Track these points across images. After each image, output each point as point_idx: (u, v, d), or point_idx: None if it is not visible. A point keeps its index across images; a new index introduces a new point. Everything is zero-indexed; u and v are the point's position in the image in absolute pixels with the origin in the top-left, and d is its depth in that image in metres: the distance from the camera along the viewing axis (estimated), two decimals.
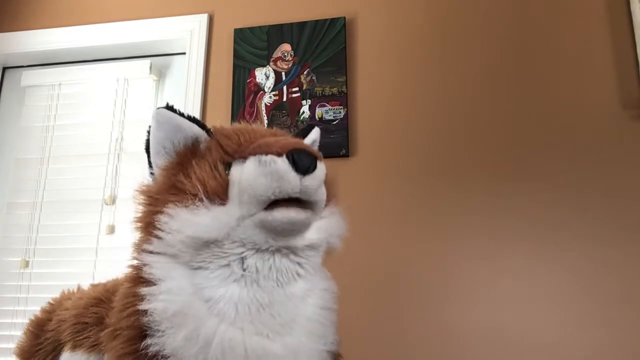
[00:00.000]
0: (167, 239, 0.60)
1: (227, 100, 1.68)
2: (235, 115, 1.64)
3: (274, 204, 0.59)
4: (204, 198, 0.59)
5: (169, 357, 0.57)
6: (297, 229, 0.60)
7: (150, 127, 0.67)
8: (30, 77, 1.87)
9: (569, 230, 1.38)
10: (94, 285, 0.83)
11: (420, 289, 1.40)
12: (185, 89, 1.71)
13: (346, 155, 1.52)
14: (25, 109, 1.86)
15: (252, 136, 0.64)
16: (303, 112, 1.60)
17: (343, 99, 1.58)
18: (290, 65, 1.65)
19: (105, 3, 1.89)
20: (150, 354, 0.57)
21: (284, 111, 1.61)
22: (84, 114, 1.82)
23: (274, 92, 1.64)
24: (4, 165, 1.86)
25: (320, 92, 1.60)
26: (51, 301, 0.87)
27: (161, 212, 0.60)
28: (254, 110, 1.64)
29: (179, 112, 0.67)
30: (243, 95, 1.66)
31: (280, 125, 1.58)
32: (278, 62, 1.67)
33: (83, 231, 1.71)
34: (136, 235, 0.67)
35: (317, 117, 1.58)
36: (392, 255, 1.43)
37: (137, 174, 1.73)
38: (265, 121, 1.61)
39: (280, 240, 0.60)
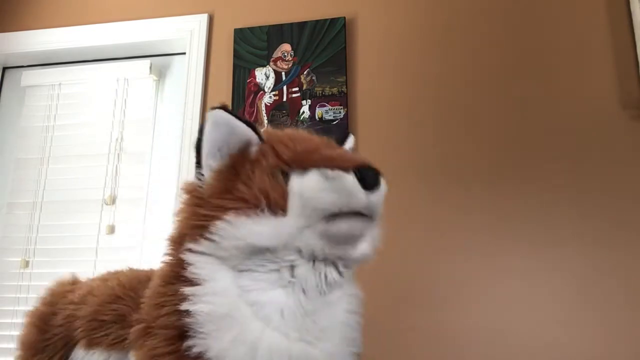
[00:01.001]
0: (223, 244, 0.60)
1: (227, 100, 1.68)
2: None
3: (335, 215, 0.59)
4: (265, 209, 0.59)
5: (212, 359, 0.57)
6: (357, 239, 0.62)
7: (202, 126, 0.65)
8: (30, 77, 1.87)
9: (569, 230, 1.38)
10: (102, 280, 0.81)
11: (419, 289, 1.40)
12: (185, 89, 1.71)
13: None
14: (25, 109, 1.86)
15: (308, 145, 0.64)
16: (303, 112, 1.60)
17: (343, 99, 1.58)
18: (290, 65, 1.65)
19: (105, 3, 1.89)
20: (191, 355, 0.57)
21: (284, 111, 1.62)
22: (84, 114, 1.82)
23: (274, 92, 1.64)
24: (4, 165, 1.86)
25: (320, 92, 1.60)
26: (50, 292, 0.86)
27: (217, 218, 0.60)
28: (254, 110, 1.64)
29: (235, 114, 0.65)
30: (243, 95, 1.66)
31: (280, 126, 1.58)
32: (278, 62, 1.67)
33: (83, 231, 1.71)
34: (175, 232, 0.66)
35: (317, 117, 1.58)
36: (391, 254, 1.43)
37: (137, 174, 1.74)
38: (265, 121, 1.61)
39: (337, 249, 0.61)
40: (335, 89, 1.59)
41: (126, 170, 1.74)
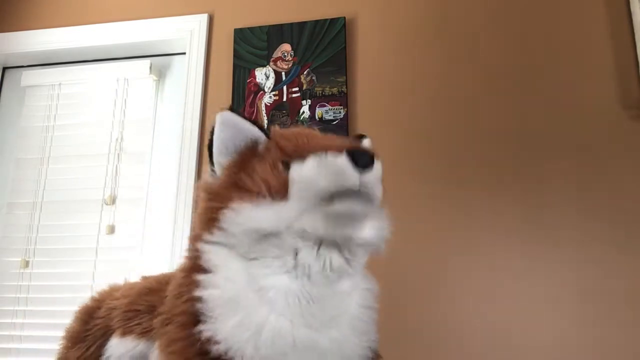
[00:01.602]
0: (230, 230, 0.63)
1: (227, 100, 1.68)
2: None
3: (333, 197, 0.62)
4: (266, 195, 0.63)
5: (220, 342, 0.59)
6: (356, 220, 0.63)
7: (213, 128, 0.71)
8: (30, 77, 1.87)
9: (569, 230, 1.38)
10: (144, 277, 0.86)
11: (419, 289, 1.40)
12: (185, 89, 1.71)
13: None
14: (25, 109, 1.86)
15: (309, 139, 0.68)
16: (303, 112, 1.60)
17: (343, 99, 1.58)
18: (290, 65, 1.65)
19: (105, 3, 1.89)
20: (203, 339, 0.59)
21: (284, 111, 1.62)
22: (84, 114, 1.82)
23: (274, 92, 1.64)
24: (4, 165, 1.86)
25: (320, 92, 1.60)
26: (100, 290, 0.90)
27: (225, 207, 0.64)
28: (254, 110, 1.64)
29: (241, 114, 0.71)
30: (243, 95, 1.66)
31: (280, 126, 1.58)
32: (278, 62, 1.67)
33: (83, 231, 1.71)
34: (193, 228, 0.70)
35: (317, 117, 1.58)
36: (391, 254, 1.43)
37: (137, 174, 1.74)
38: (265, 121, 1.61)
39: (338, 231, 0.63)
40: (335, 89, 1.59)
41: (126, 170, 1.74)
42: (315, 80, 1.62)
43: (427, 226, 1.44)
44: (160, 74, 1.85)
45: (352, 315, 0.67)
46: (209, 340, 0.59)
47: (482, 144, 1.49)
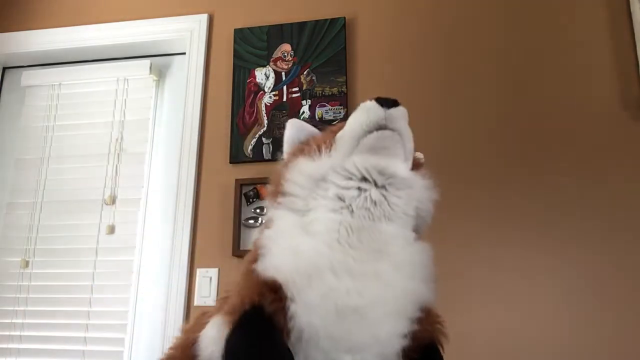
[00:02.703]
0: (291, 180, 0.74)
1: (227, 100, 1.68)
2: (235, 115, 1.64)
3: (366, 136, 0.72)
4: (317, 151, 0.74)
5: (271, 270, 0.65)
6: (387, 150, 0.72)
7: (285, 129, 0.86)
8: (30, 77, 1.87)
9: (569, 230, 1.38)
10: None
11: None
12: (185, 89, 1.71)
13: None
14: (25, 109, 1.86)
15: None
16: (303, 112, 1.60)
17: (343, 99, 1.58)
18: (290, 65, 1.65)
19: (105, 3, 1.89)
20: (255, 271, 0.66)
21: (284, 111, 1.61)
22: (84, 114, 1.82)
23: (274, 92, 1.64)
24: (4, 165, 1.86)
25: (320, 92, 1.60)
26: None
27: (287, 175, 0.75)
28: (254, 110, 1.64)
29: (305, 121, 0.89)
30: (243, 95, 1.66)
31: (280, 126, 1.58)
32: (278, 62, 1.67)
33: (83, 231, 1.71)
34: (266, 208, 0.81)
35: (317, 117, 1.58)
36: None
37: (137, 174, 1.74)
38: (265, 121, 1.61)
39: (372, 163, 0.71)
40: (335, 89, 1.59)
41: (126, 170, 1.74)
42: (315, 80, 1.62)
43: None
44: (160, 74, 1.85)
45: (398, 258, 0.70)
46: (260, 273, 0.65)
47: (481, 144, 1.49)
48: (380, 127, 0.71)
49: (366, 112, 0.72)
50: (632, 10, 1.47)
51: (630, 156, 1.39)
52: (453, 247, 1.41)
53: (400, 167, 0.74)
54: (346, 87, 1.58)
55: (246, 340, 0.60)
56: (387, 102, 0.72)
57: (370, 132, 0.71)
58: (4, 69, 1.96)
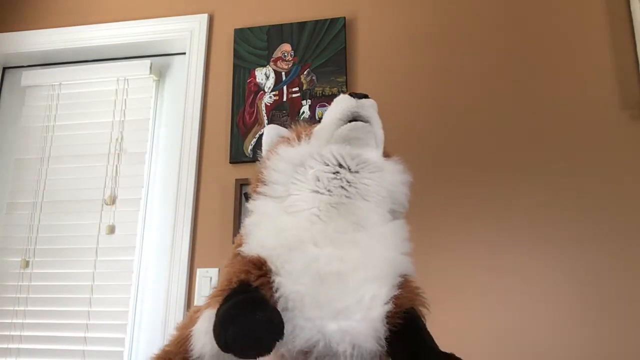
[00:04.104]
0: (268, 171, 0.78)
1: (227, 100, 1.68)
2: (235, 115, 1.64)
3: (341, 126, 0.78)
4: (296, 140, 0.80)
5: (256, 249, 0.69)
6: (361, 136, 0.77)
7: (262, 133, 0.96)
8: (30, 77, 1.87)
9: (568, 230, 1.38)
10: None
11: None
12: (185, 89, 1.71)
13: None
14: (25, 109, 1.86)
15: None
16: (303, 112, 1.60)
17: None
18: (290, 65, 1.65)
19: (105, 3, 1.89)
20: (242, 253, 0.71)
21: (284, 111, 1.62)
22: (84, 114, 1.82)
23: (274, 92, 1.64)
24: (4, 165, 1.86)
25: (320, 92, 1.60)
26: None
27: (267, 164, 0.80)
28: (254, 110, 1.64)
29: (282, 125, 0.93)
30: (243, 95, 1.66)
31: (280, 126, 1.58)
32: (278, 62, 1.67)
33: (83, 231, 1.71)
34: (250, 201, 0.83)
35: (317, 117, 1.58)
36: None
37: (137, 174, 1.74)
38: (265, 121, 1.61)
39: (346, 150, 0.76)
40: (335, 89, 1.59)
41: (126, 170, 1.74)
42: (315, 80, 1.62)
43: (425, 226, 1.44)
44: (160, 74, 1.85)
45: (376, 230, 0.73)
46: (247, 254, 0.69)
47: (481, 144, 1.49)
48: (354, 118, 0.76)
49: (339, 103, 0.78)
50: (632, 10, 1.47)
51: (630, 156, 1.40)
52: (453, 247, 1.41)
53: (372, 154, 0.79)
54: (346, 87, 1.58)
55: (235, 304, 0.61)
56: (357, 95, 0.78)
57: (344, 121, 0.76)
58: (4, 69, 1.96)
